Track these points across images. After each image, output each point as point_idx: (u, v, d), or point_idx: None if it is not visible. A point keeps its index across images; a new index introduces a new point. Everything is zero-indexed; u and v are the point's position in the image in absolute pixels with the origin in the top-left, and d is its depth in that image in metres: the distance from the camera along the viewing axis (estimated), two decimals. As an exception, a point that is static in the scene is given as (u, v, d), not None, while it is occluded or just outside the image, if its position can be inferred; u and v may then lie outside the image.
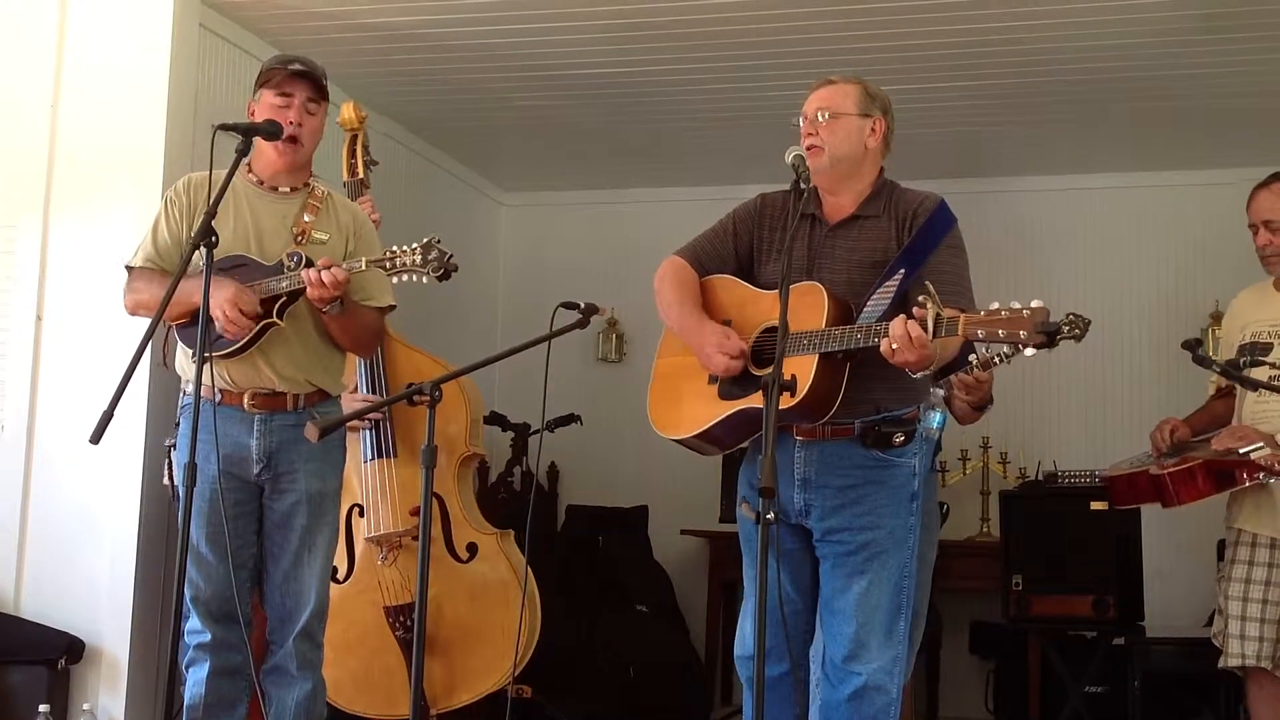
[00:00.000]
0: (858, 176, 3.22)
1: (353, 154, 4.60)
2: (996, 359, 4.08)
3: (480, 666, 4.15)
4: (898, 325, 2.79)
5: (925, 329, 2.76)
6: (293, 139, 3.46)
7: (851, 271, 3.10)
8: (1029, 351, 2.68)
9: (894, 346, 2.79)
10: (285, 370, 3.44)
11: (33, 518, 4.44)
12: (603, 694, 5.47)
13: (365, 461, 4.26)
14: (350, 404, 4.14)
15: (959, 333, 2.74)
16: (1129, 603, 4.96)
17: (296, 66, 3.52)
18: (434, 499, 4.18)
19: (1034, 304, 2.66)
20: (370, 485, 4.24)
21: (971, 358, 4.02)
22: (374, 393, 4.26)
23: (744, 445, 3.29)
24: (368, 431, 4.26)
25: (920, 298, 2.77)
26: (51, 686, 4.16)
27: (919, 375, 2.91)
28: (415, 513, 4.14)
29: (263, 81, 3.53)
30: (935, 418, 3.13)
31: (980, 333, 2.72)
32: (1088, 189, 6.38)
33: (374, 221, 4.39)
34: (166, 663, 2.94)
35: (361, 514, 4.26)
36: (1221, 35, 4.63)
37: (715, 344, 3.11)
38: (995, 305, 2.71)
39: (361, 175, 4.56)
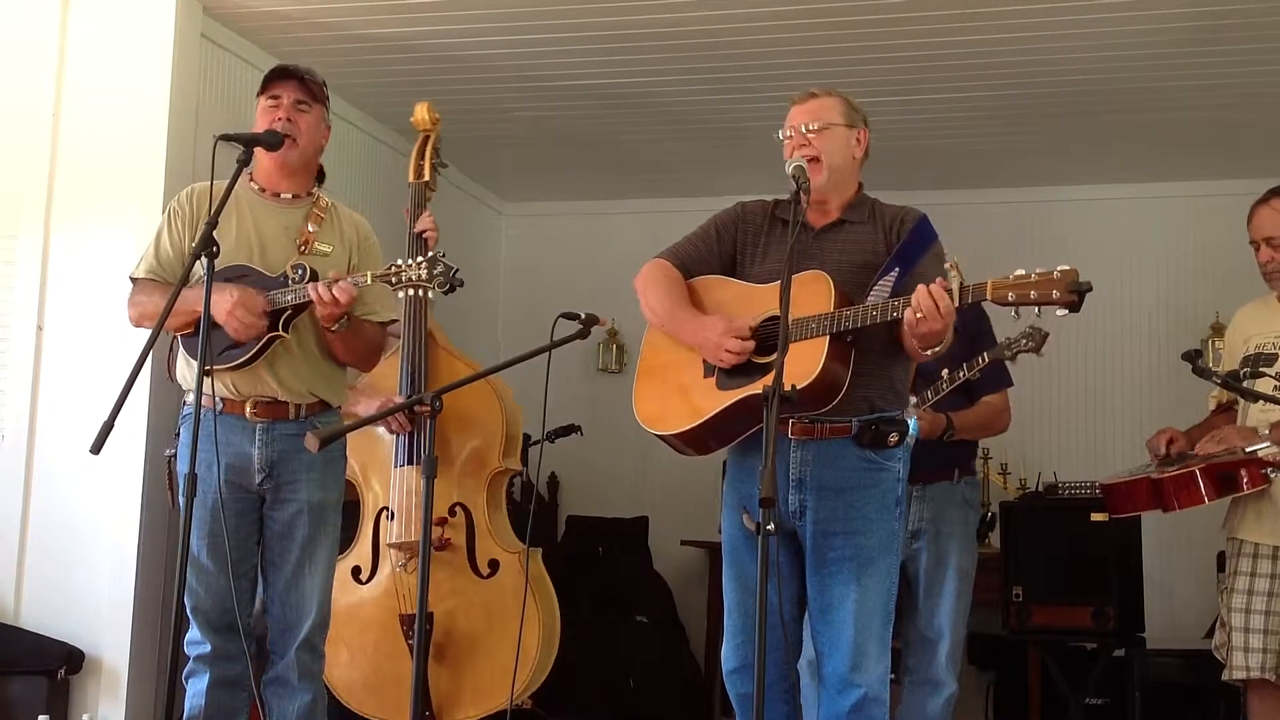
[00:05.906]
0: (845, 186, 3.26)
1: (421, 155, 4.43)
2: (1009, 352, 4.14)
3: (489, 684, 4.10)
4: (923, 294, 2.81)
5: (951, 298, 2.80)
6: (288, 137, 3.46)
7: (842, 271, 3.11)
8: (1060, 312, 2.74)
9: (919, 315, 2.82)
10: (289, 381, 3.45)
11: (33, 527, 4.43)
12: (603, 704, 5.46)
13: (396, 467, 4.20)
14: (371, 408, 4.13)
15: (987, 297, 2.80)
16: (1129, 614, 4.95)
17: (283, 66, 3.55)
18: (462, 511, 4.19)
19: (1062, 267, 2.72)
20: (399, 491, 4.20)
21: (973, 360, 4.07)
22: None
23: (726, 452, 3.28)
24: (402, 437, 4.20)
25: (945, 265, 2.81)
26: (51, 697, 4.15)
27: (929, 352, 2.94)
28: (440, 522, 4.12)
29: (258, 92, 3.55)
30: (913, 424, 3.18)
31: (1011, 295, 2.78)
32: (1083, 200, 6.39)
33: (432, 238, 4.21)
34: (167, 673, 2.93)
35: (391, 518, 4.22)
36: (1217, 46, 4.63)
37: (721, 330, 3.09)
38: (1022, 270, 2.77)
39: (428, 178, 4.39)
